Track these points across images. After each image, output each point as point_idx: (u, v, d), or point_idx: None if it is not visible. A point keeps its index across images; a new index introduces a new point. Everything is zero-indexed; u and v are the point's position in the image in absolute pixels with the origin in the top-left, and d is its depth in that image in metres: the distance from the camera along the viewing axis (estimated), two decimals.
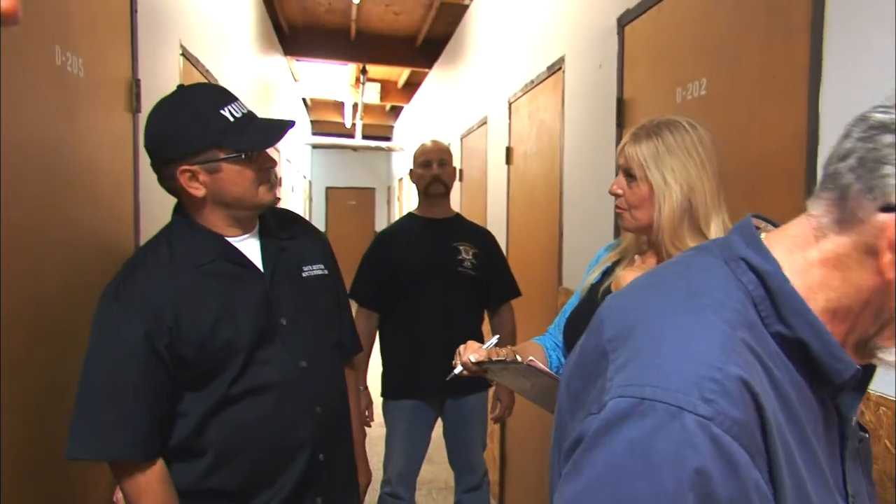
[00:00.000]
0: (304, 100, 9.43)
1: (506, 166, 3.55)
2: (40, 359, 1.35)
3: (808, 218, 0.61)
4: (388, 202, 12.65)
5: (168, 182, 1.29)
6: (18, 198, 1.24)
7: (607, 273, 1.40)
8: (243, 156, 1.26)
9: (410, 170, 2.63)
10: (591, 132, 2.36)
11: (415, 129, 8.27)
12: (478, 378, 1.37)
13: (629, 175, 1.27)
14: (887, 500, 1.08)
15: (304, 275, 1.43)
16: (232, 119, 1.25)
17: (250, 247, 1.36)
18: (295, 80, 7.86)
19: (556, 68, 2.75)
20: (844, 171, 0.58)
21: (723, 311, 0.58)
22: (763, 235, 0.64)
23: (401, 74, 7.85)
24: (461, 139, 4.95)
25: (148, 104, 1.87)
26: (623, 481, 0.52)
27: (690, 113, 1.37)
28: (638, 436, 0.52)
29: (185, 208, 1.33)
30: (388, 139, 11.34)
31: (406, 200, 8.65)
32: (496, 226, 3.57)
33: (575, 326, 1.37)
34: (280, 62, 6.18)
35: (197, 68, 2.60)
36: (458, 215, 2.69)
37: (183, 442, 1.27)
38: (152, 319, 1.22)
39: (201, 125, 1.23)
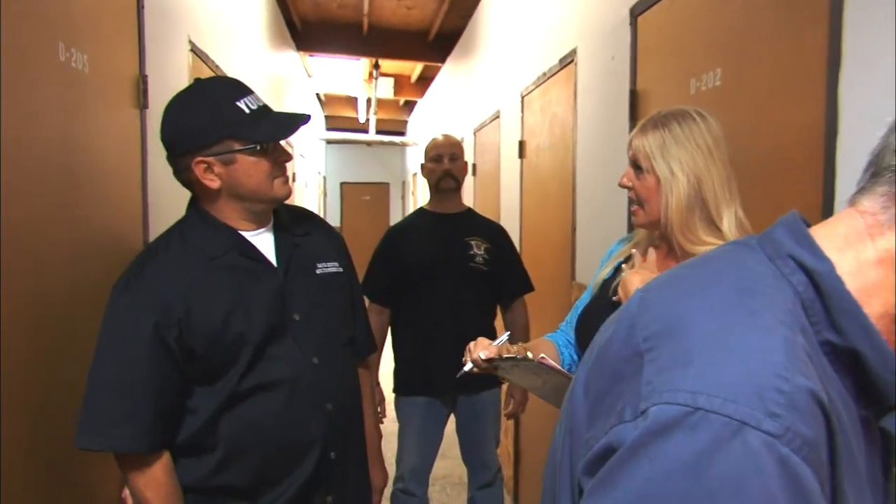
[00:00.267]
0: (317, 95, 9.44)
1: (518, 160, 3.52)
2: (47, 356, 1.35)
3: (859, 214, 0.55)
4: (403, 197, 12.65)
5: (183, 174, 1.28)
6: (22, 196, 1.24)
7: (619, 268, 1.37)
8: (259, 147, 1.26)
9: (422, 164, 2.61)
10: (604, 125, 2.32)
11: (428, 123, 8.25)
12: (490, 374, 1.35)
13: (637, 167, 1.24)
14: None
15: (317, 272, 1.43)
16: (248, 111, 1.25)
17: (264, 241, 1.36)
18: (308, 76, 7.86)
19: (568, 61, 2.71)
20: None
21: (779, 313, 0.51)
22: None
23: (414, 69, 7.83)
24: (474, 133, 4.92)
25: (156, 100, 1.88)
26: None
27: (705, 104, 1.34)
28: (689, 452, 0.45)
29: (200, 202, 1.33)
30: (401, 134, 11.33)
31: (420, 195, 8.65)
32: (509, 220, 3.54)
33: (587, 323, 1.34)
34: (293, 58, 6.18)
35: (207, 64, 2.60)
36: (469, 210, 2.67)
37: (192, 438, 1.27)
38: (162, 312, 1.21)
39: (217, 116, 1.23)
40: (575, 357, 1.43)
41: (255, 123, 1.25)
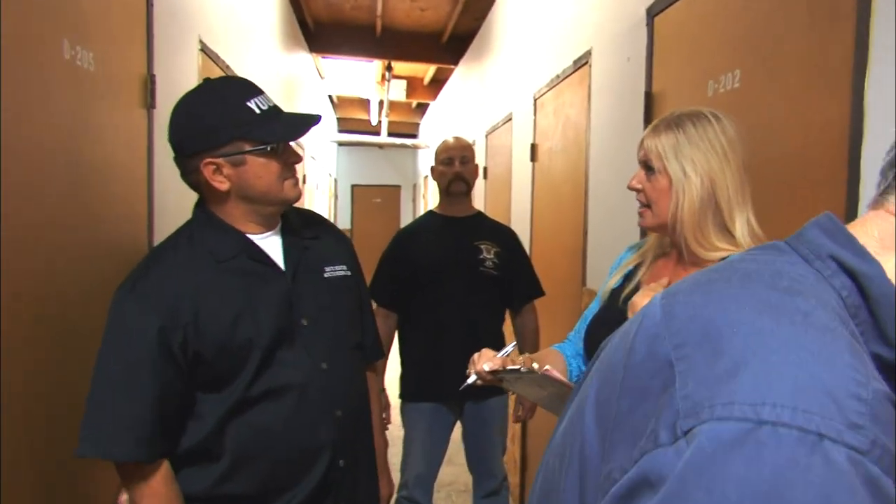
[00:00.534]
0: (330, 97, 9.45)
1: (530, 163, 3.48)
2: (51, 359, 1.33)
3: (890, 215, 0.50)
4: (414, 200, 12.63)
5: (191, 176, 1.26)
6: (24, 196, 1.22)
7: (629, 277, 1.33)
8: (269, 148, 1.23)
9: (432, 167, 2.58)
10: (619, 128, 2.28)
11: (440, 126, 8.22)
12: (495, 386, 1.31)
13: (648, 168, 1.20)
14: None
15: (326, 275, 1.40)
16: (258, 111, 1.22)
17: (272, 245, 1.33)
18: (321, 78, 7.86)
19: (582, 62, 2.67)
20: None
21: (834, 315, 0.44)
22: None
23: (427, 71, 7.81)
24: (486, 136, 4.89)
25: (164, 100, 1.86)
26: None
27: (723, 107, 1.29)
28: (759, 476, 0.36)
29: (207, 203, 1.30)
30: (413, 136, 11.32)
31: (431, 198, 8.62)
32: (520, 224, 3.50)
33: (596, 334, 1.30)
34: (306, 59, 6.18)
35: (217, 64, 2.58)
36: (479, 213, 2.63)
37: (198, 445, 1.24)
38: (168, 316, 1.18)
39: (227, 117, 1.20)
40: (583, 368, 1.39)
41: (265, 124, 1.22)
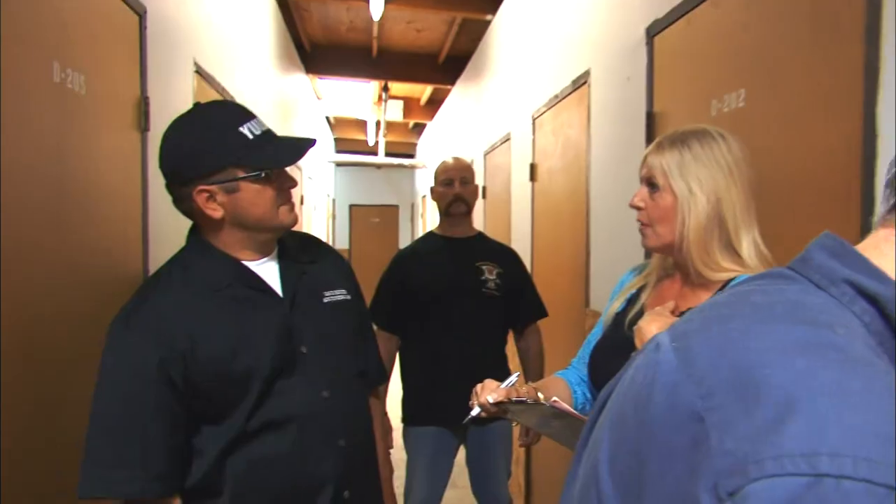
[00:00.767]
0: (327, 118, 9.47)
1: (530, 183, 3.46)
2: (40, 377, 1.28)
3: None
4: (412, 219, 12.62)
5: (184, 204, 1.22)
6: (14, 219, 1.18)
7: (632, 301, 1.29)
8: (263, 174, 1.19)
9: (432, 188, 2.55)
10: (620, 147, 2.25)
11: (438, 146, 8.23)
12: (499, 417, 1.27)
13: (651, 185, 1.16)
14: None
15: (325, 300, 1.36)
16: (251, 136, 1.19)
17: (269, 271, 1.29)
18: (318, 99, 7.88)
19: (581, 82, 2.66)
20: None
21: (866, 347, 0.41)
22: None
23: (423, 91, 7.83)
24: (484, 156, 4.87)
25: (159, 123, 1.83)
26: None
27: (727, 127, 1.27)
28: None
29: (201, 231, 1.26)
30: (411, 156, 11.33)
31: (430, 218, 8.60)
32: (521, 244, 3.47)
33: (601, 360, 1.26)
34: (302, 80, 6.18)
35: (212, 86, 2.56)
36: (480, 234, 2.60)
37: (198, 483, 1.19)
38: (167, 347, 1.14)
39: (219, 143, 1.17)
40: (588, 395, 1.34)
41: (259, 149, 1.19)
